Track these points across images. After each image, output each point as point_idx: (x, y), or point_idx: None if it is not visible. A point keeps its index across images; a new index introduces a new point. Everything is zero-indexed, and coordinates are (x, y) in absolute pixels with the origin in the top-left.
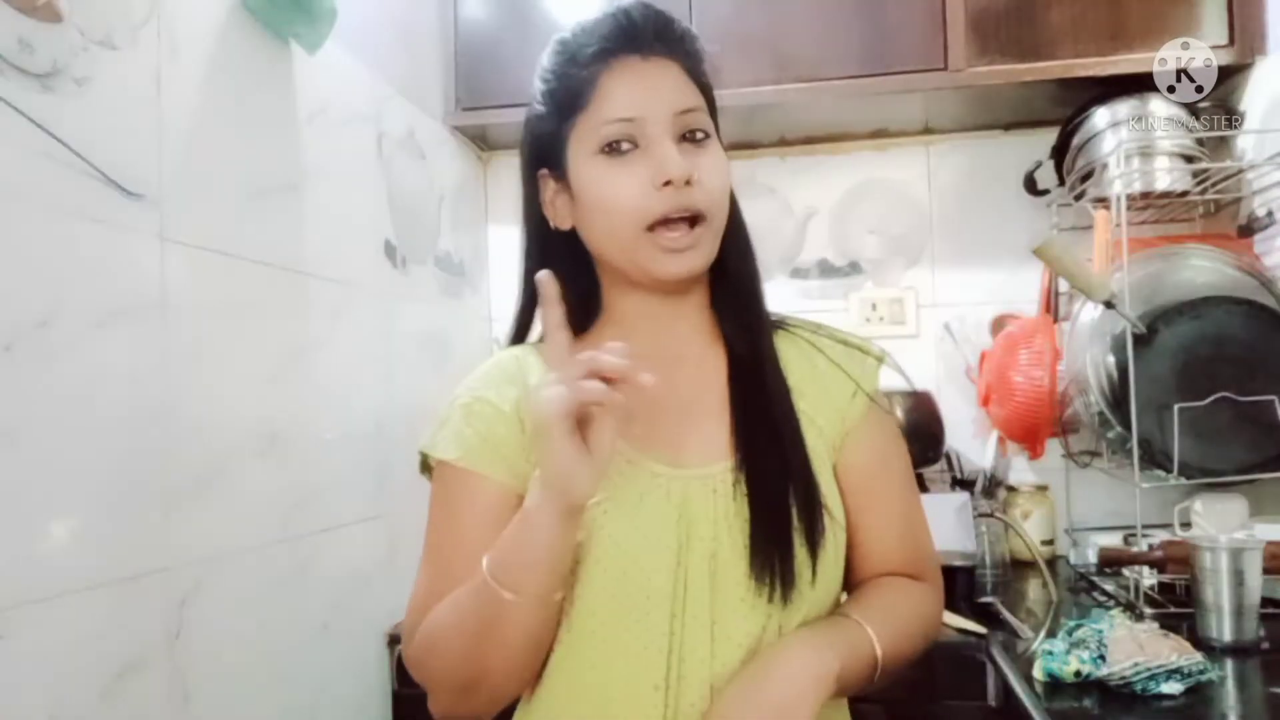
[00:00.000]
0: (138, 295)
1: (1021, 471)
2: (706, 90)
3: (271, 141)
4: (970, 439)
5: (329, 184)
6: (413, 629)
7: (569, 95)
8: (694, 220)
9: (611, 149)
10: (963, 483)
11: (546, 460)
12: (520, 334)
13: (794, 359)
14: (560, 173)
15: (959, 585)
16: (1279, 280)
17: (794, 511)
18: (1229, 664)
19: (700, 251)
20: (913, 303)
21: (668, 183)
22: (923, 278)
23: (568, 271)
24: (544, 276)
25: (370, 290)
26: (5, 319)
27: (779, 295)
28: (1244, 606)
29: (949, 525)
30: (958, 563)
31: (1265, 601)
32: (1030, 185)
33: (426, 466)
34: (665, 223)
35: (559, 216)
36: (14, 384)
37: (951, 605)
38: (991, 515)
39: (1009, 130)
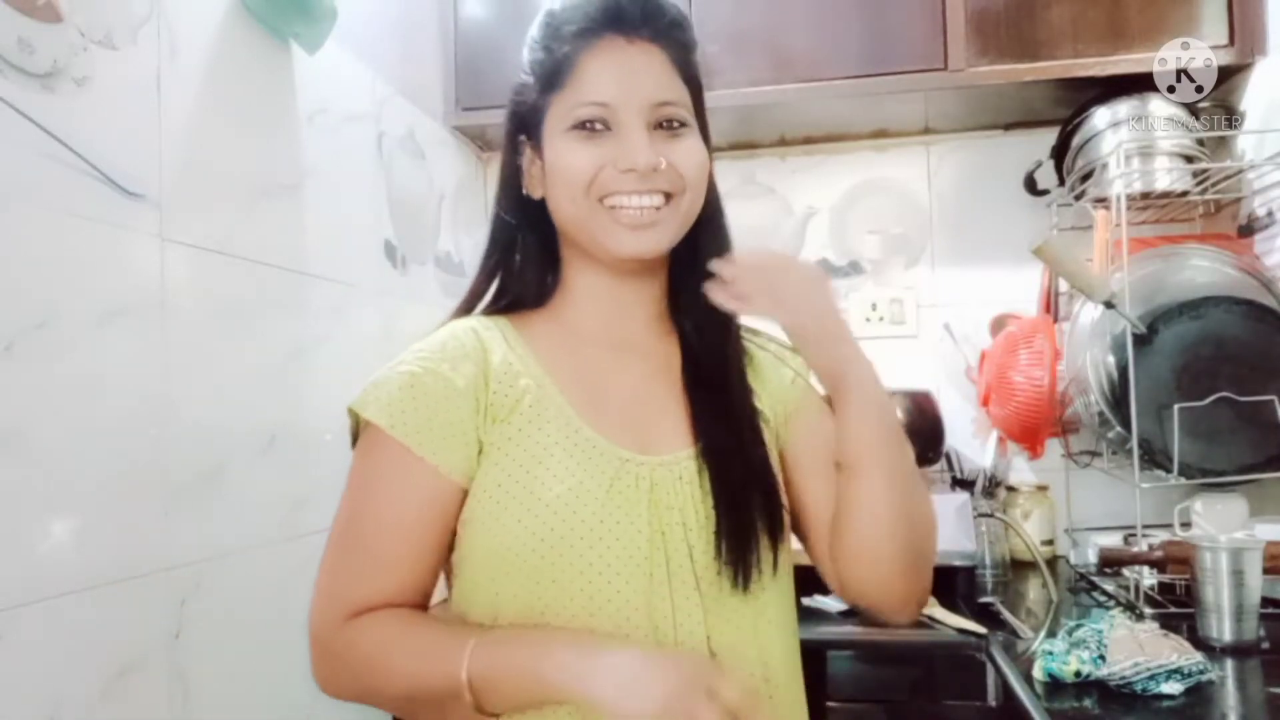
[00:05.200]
0: (137, 295)
1: (1021, 471)
2: (693, 82)
3: (271, 141)
4: (970, 439)
5: (329, 184)
6: (342, 617)
7: (550, 70)
8: (667, 197)
9: (583, 127)
10: (963, 483)
11: (651, 697)
12: (474, 300)
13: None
14: (537, 142)
15: (959, 585)
16: (1279, 280)
17: (756, 507)
18: (1229, 664)
19: (662, 231)
20: (913, 303)
21: (630, 170)
22: (923, 278)
23: (535, 240)
24: None
25: (370, 290)
26: (5, 319)
27: None
28: (1244, 606)
29: (949, 525)
30: (958, 563)
31: (1265, 601)
32: (1030, 185)
33: (356, 431)
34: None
35: (533, 184)
36: (14, 384)
37: (951, 605)
38: (991, 515)
39: (1009, 130)
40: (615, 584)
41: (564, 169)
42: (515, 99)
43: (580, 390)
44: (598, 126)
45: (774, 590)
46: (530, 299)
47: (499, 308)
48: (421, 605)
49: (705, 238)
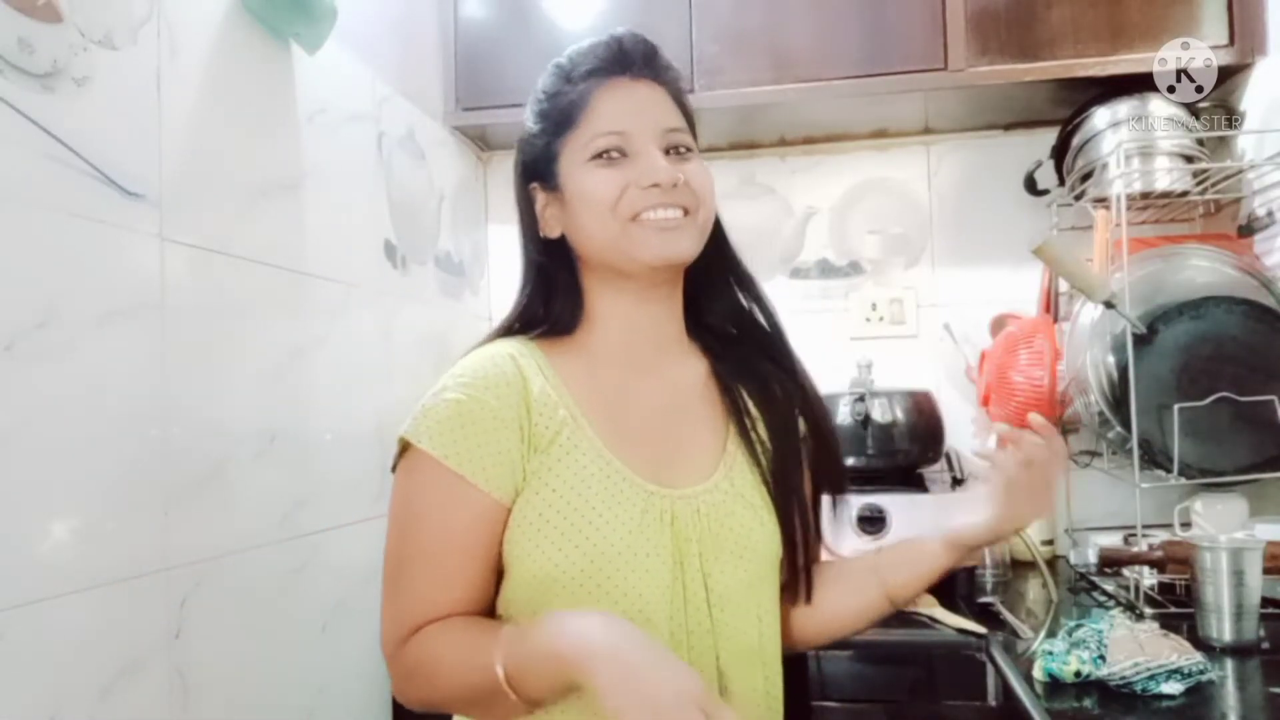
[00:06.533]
0: (138, 295)
1: None
2: (689, 116)
3: (271, 141)
4: (970, 439)
5: (329, 184)
6: (406, 635)
7: (563, 112)
8: (684, 210)
9: (602, 156)
10: (963, 483)
11: (656, 699)
12: (509, 328)
13: None
14: (552, 184)
15: (959, 585)
16: (1279, 280)
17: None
18: (1229, 664)
19: (687, 236)
20: (913, 303)
21: (654, 185)
22: (923, 278)
23: (558, 276)
24: None
25: (370, 290)
26: (5, 319)
27: (779, 295)
28: (1244, 606)
29: None
30: None
31: (1265, 601)
32: (1030, 185)
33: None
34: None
35: (548, 226)
36: (14, 384)
37: (951, 605)
38: None
39: (1009, 130)
40: (644, 608)
41: (590, 194)
42: (524, 149)
43: (608, 421)
44: (614, 155)
45: (776, 612)
46: (562, 327)
47: (533, 335)
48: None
49: (714, 252)
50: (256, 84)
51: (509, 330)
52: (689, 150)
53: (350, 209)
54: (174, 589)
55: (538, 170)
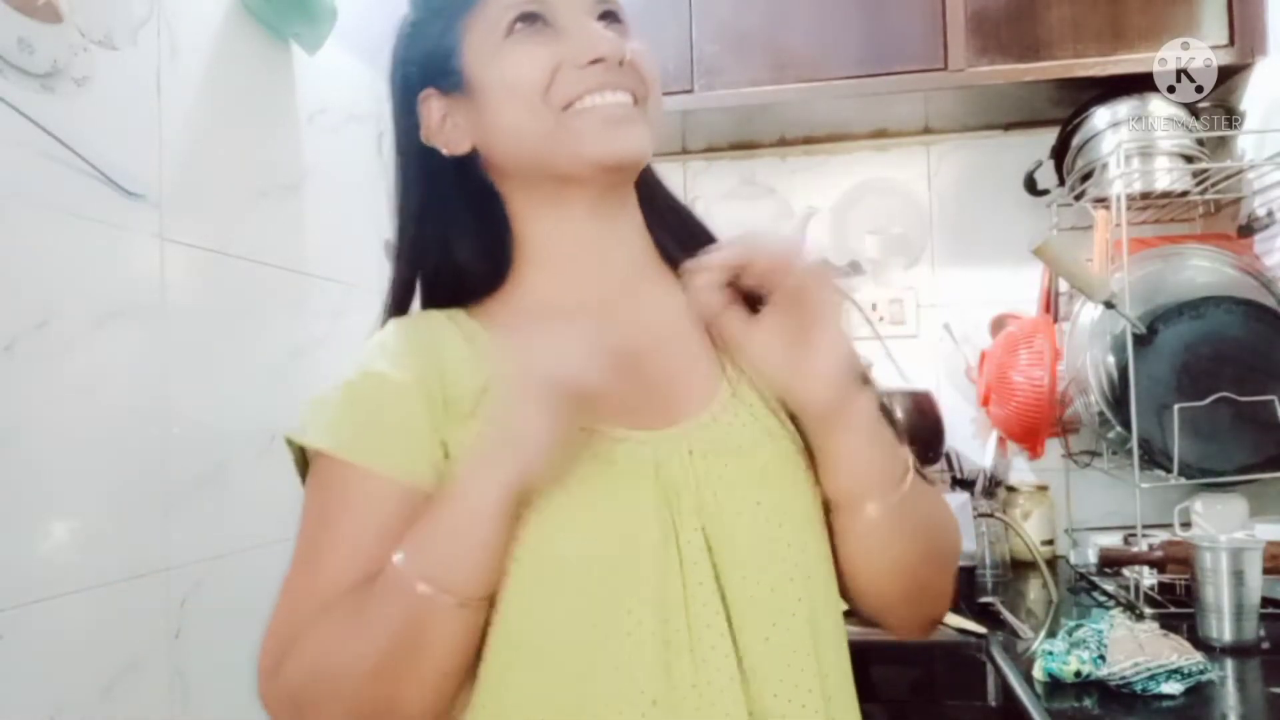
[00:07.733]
0: (137, 295)
1: (1021, 471)
2: None
3: (271, 141)
4: (970, 439)
5: (329, 184)
6: (279, 659)
7: None
8: (633, 97)
9: (522, 23)
10: (963, 483)
11: (524, 422)
12: (400, 303)
13: None
14: (453, 83)
15: (959, 585)
16: (1279, 280)
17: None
18: (1229, 664)
19: (643, 130)
20: (913, 303)
21: (596, 60)
22: (923, 278)
23: (468, 211)
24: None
25: (370, 290)
26: (5, 319)
27: None
28: (1244, 606)
29: None
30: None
31: (1265, 601)
32: (1030, 185)
33: (303, 462)
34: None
35: (453, 140)
36: (14, 384)
37: (952, 605)
38: (991, 515)
39: (1009, 130)
40: (619, 596)
41: (512, 78)
42: (406, 50)
43: None
44: (536, 22)
45: (823, 575)
46: (483, 282)
47: (449, 303)
48: None
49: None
50: (256, 84)
51: (405, 299)
52: (623, 22)
53: (350, 209)
54: (174, 589)
55: (432, 70)
